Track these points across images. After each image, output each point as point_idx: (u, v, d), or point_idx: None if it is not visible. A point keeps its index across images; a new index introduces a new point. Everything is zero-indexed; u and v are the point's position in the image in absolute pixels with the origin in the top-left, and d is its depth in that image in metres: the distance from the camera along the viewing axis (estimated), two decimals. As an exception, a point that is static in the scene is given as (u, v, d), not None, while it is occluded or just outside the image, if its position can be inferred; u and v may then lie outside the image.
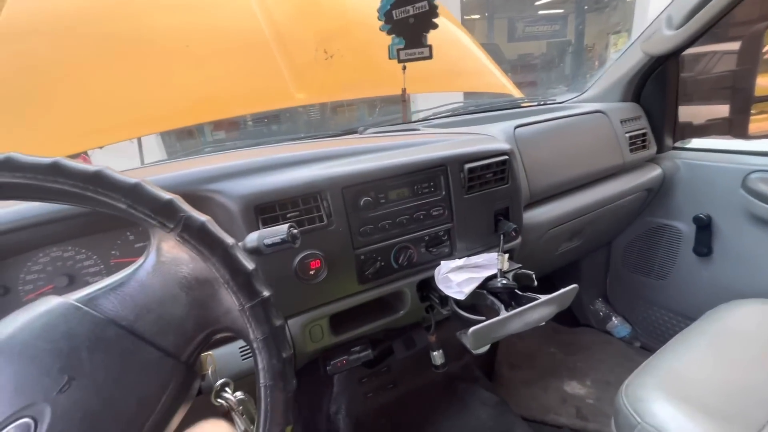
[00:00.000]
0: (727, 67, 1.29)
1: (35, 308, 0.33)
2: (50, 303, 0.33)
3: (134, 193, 0.33)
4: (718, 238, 1.15)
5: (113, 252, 0.62)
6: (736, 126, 1.26)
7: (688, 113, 1.27)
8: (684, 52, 1.15)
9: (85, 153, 1.20)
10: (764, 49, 1.19)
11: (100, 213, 0.35)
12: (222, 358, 0.63)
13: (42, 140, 1.03)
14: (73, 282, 0.60)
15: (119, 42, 1.21)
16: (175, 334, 0.35)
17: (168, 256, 0.36)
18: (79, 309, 0.33)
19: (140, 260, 0.37)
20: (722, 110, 1.30)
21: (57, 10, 1.22)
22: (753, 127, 1.23)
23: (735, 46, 1.24)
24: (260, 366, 0.36)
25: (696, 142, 1.25)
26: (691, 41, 1.06)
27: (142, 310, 0.34)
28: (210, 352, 0.44)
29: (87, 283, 0.64)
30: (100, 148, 1.18)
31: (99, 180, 0.32)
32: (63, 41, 1.17)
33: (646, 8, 6.07)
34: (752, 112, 1.26)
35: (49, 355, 0.30)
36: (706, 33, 1.04)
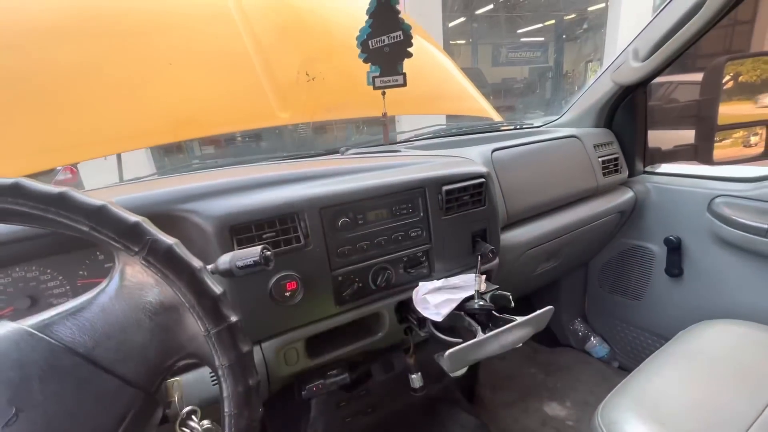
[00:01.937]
0: (691, 97, 1.36)
1: (-14, 335, 0.32)
2: (2, 330, 0.32)
3: (98, 215, 0.33)
4: (688, 259, 1.19)
5: (81, 272, 0.60)
6: (701, 152, 1.33)
7: (658, 139, 1.33)
8: (652, 81, 1.21)
9: (74, 166, 1.18)
10: (724, 80, 1.26)
11: (64, 234, 0.34)
12: (191, 384, 0.60)
13: (18, 154, 1.01)
14: (35, 304, 0.58)
15: (100, 57, 1.20)
16: (136, 361, 0.34)
17: (132, 281, 0.35)
18: (33, 336, 0.32)
19: (102, 284, 0.36)
20: (689, 137, 1.36)
21: (34, 26, 1.21)
22: (717, 153, 1.29)
23: (699, 77, 1.31)
24: (225, 394, 0.35)
25: (665, 167, 1.31)
26: (657, 72, 1.12)
27: (102, 337, 0.33)
28: (177, 378, 0.43)
29: (51, 305, 0.61)
30: (77, 163, 1.16)
31: (62, 202, 0.32)
32: (38, 55, 1.16)
33: (616, 39, 6.45)
34: (716, 139, 1.33)
35: None
36: (671, 65, 1.11)
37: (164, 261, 0.34)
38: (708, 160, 1.31)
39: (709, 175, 1.15)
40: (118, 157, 1.27)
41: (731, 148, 1.37)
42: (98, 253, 0.61)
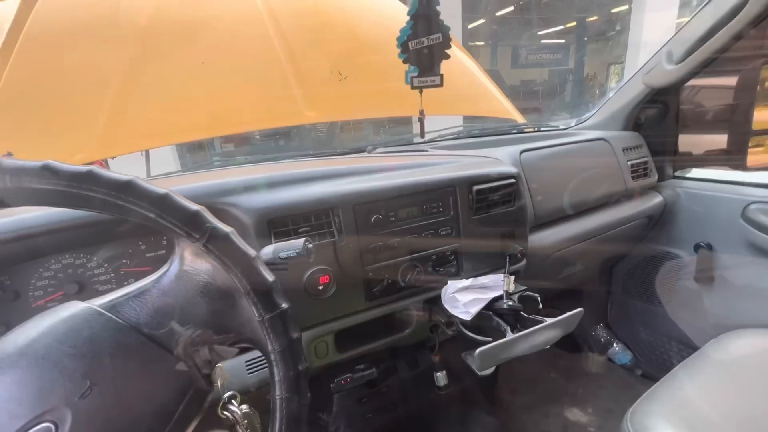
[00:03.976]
0: (725, 101, 1.33)
1: (59, 313, 0.33)
2: (74, 308, 0.34)
3: (163, 203, 0.34)
4: (719, 266, 1.15)
5: (124, 261, 0.63)
6: (735, 158, 1.29)
7: (689, 143, 1.30)
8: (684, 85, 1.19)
9: (104, 161, 1.22)
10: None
11: (119, 221, 0.36)
12: (227, 372, 0.62)
13: (59, 148, 1.05)
14: (82, 289, 0.60)
15: (136, 56, 1.25)
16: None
17: (191, 266, 0.37)
18: (102, 315, 0.33)
19: (164, 268, 0.37)
20: (721, 142, 1.33)
21: (76, 22, 1.26)
22: (751, 159, 1.26)
23: (733, 80, 1.28)
24: (277, 378, 0.36)
25: (696, 172, 1.28)
26: (691, 76, 1.10)
27: (164, 318, 0.35)
28: (220, 365, 0.44)
29: (96, 291, 0.64)
30: (112, 158, 1.20)
31: (130, 189, 0.34)
32: (78, 54, 1.20)
33: (639, 42, 6.32)
34: (750, 144, 1.29)
35: (72, 359, 0.31)
36: (705, 68, 1.08)
37: (222, 248, 0.35)
38: (741, 165, 1.27)
39: (744, 181, 1.12)
40: (147, 153, 1.31)
41: (766, 154, 1.33)
42: (140, 244, 0.64)
